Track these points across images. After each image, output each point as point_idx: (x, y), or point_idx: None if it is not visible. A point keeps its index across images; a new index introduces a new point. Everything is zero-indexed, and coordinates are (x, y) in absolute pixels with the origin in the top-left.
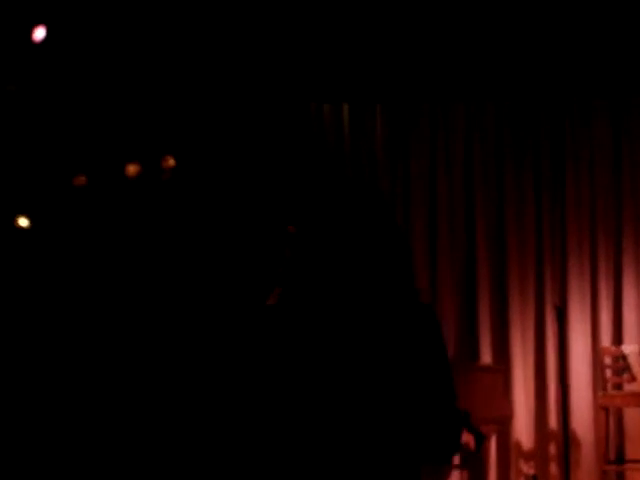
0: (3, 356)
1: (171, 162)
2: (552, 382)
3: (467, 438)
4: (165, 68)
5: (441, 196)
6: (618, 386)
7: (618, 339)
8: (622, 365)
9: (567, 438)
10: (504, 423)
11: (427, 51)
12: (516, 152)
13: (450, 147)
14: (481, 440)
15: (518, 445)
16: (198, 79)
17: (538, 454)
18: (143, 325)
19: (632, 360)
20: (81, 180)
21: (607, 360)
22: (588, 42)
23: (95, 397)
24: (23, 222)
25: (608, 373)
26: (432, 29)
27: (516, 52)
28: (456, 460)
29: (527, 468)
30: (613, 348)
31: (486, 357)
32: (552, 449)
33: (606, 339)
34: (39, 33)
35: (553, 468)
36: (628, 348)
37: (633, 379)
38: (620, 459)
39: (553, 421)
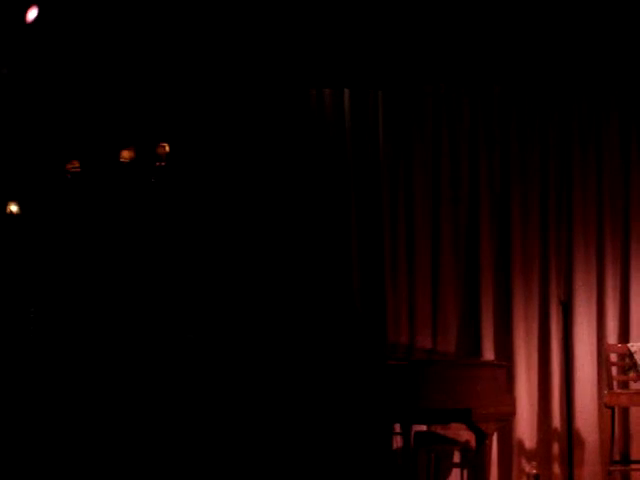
0: None
1: (166, 148)
2: (556, 379)
3: (468, 435)
4: (162, 52)
5: (444, 184)
6: (624, 384)
7: (625, 336)
8: (628, 363)
9: (571, 437)
10: (506, 421)
11: (430, 35)
12: (522, 141)
13: (454, 132)
14: (482, 438)
15: (520, 444)
16: (196, 65)
17: (541, 453)
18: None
19: (639, 358)
20: (74, 165)
21: (613, 357)
22: (601, 35)
23: (94, 396)
24: (13, 208)
25: (614, 371)
26: (435, 12)
27: (523, 36)
28: (457, 458)
29: (529, 467)
30: (619, 345)
31: (489, 353)
32: (555, 448)
33: (612, 336)
34: (32, 13)
35: (556, 468)
36: (635, 346)
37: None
38: (626, 459)
39: (557, 420)
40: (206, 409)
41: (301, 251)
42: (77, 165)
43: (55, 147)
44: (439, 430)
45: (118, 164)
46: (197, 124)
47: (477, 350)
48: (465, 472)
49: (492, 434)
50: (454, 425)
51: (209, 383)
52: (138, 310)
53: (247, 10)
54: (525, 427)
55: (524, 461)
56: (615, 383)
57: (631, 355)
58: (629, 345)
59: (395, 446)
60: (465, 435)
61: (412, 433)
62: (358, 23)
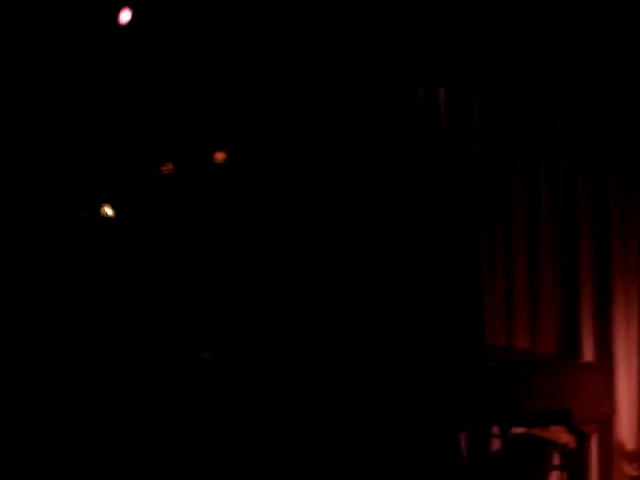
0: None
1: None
2: None
3: (568, 438)
4: (261, 51)
5: (544, 185)
6: None
7: None
8: None
9: None
10: (606, 422)
11: (527, 38)
12: (624, 152)
13: (551, 134)
14: (582, 440)
15: (621, 445)
16: (295, 66)
17: None
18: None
19: None
20: (168, 168)
21: None
22: None
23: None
24: (108, 211)
25: None
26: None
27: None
28: (556, 460)
29: (630, 469)
30: None
31: (588, 354)
32: None
33: None
34: (125, 16)
35: None
36: None
37: None
38: None
39: None
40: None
41: (397, 252)
42: (171, 167)
43: (149, 149)
44: (538, 432)
45: (211, 166)
46: (294, 124)
47: (576, 351)
48: (565, 475)
49: (592, 436)
50: (554, 427)
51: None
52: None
53: (345, 13)
54: (625, 429)
55: (625, 463)
56: None
57: None
58: None
59: (494, 448)
60: (565, 437)
61: (511, 435)
62: (456, 26)
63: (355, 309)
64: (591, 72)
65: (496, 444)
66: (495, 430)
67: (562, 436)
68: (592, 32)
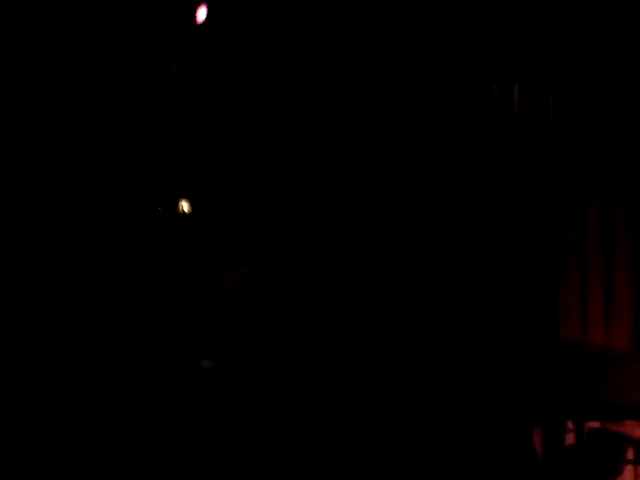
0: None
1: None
2: None
3: None
4: (331, 50)
5: (618, 185)
6: None
7: None
8: None
9: None
10: None
11: (607, 32)
12: None
13: (628, 133)
14: None
15: None
16: (373, 62)
17: None
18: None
19: None
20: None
21: None
22: None
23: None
24: (185, 207)
25: None
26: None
27: None
28: (630, 455)
29: None
30: None
31: None
32: None
33: None
34: (201, 13)
35: None
36: None
37: None
38: None
39: None
40: None
41: (470, 246)
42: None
43: (226, 147)
44: (613, 427)
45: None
46: (369, 119)
47: None
48: (639, 469)
49: None
50: (628, 422)
51: None
52: None
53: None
54: None
55: None
56: None
57: None
58: None
59: (568, 443)
60: (639, 432)
61: (585, 430)
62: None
63: (431, 300)
64: None
65: (570, 438)
66: (569, 424)
67: (637, 431)
68: None
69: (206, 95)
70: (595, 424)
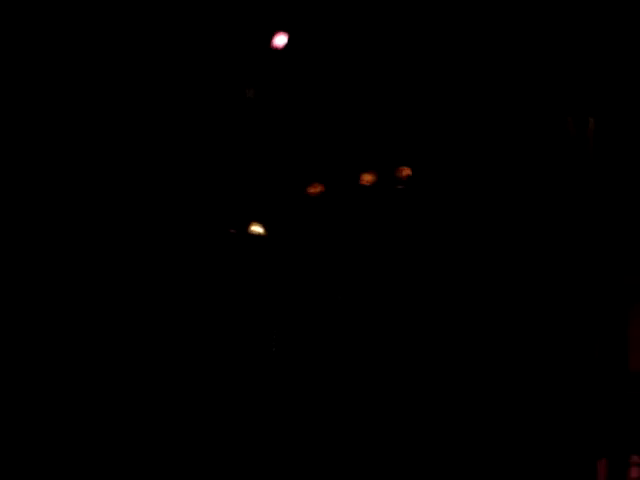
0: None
1: (406, 172)
2: None
3: None
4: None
5: None
6: None
7: None
8: None
9: None
10: None
11: None
12: None
13: None
14: None
15: None
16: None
17: None
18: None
19: None
20: (317, 188)
21: None
22: None
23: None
24: (257, 229)
25: None
26: None
27: None
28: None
29: None
30: None
31: None
32: None
33: None
34: (280, 40)
35: None
36: None
37: None
38: None
39: None
40: None
41: (541, 277)
42: (320, 188)
43: (298, 169)
44: None
45: (360, 187)
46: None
47: None
48: None
49: None
50: None
51: None
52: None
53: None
54: None
55: None
56: None
57: None
58: None
59: (633, 477)
60: None
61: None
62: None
63: (501, 326)
64: None
65: (635, 472)
66: (635, 459)
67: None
68: None
69: (282, 119)
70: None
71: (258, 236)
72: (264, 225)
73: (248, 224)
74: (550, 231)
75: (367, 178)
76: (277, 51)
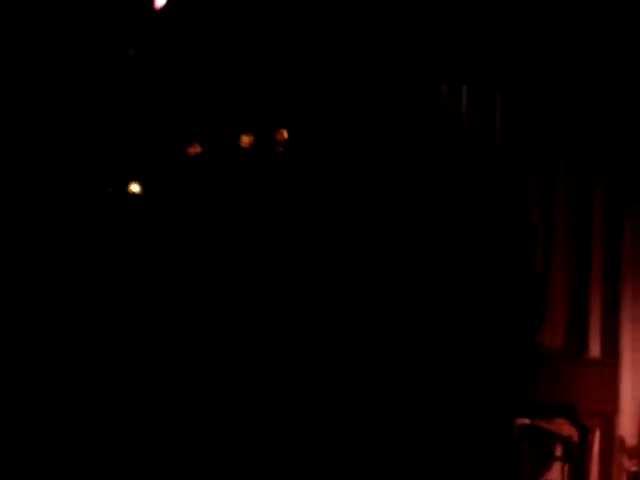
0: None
1: (285, 135)
2: None
3: (570, 431)
4: (288, 43)
5: (559, 188)
6: None
7: None
8: None
9: None
10: (609, 418)
11: (556, 40)
12: None
13: (570, 136)
14: (585, 433)
15: (622, 441)
16: (319, 56)
17: None
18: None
19: None
20: (195, 149)
21: None
22: None
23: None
24: (135, 188)
25: None
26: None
27: None
28: (558, 452)
29: (630, 465)
30: None
31: (595, 349)
32: None
33: None
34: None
35: None
36: None
37: None
38: None
39: None
40: None
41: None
42: (198, 148)
43: (178, 130)
44: (542, 424)
45: (237, 149)
46: (315, 113)
47: (583, 346)
48: (566, 466)
49: (594, 430)
50: (557, 420)
51: None
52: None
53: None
54: (627, 425)
55: (625, 458)
56: None
57: None
58: None
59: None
60: (567, 430)
61: (515, 426)
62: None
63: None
64: (624, 82)
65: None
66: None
67: (565, 429)
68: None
69: (163, 79)
70: (525, 420)
71: (135, 195)
72: (142, 184)
73: (126, 183)
74: (417, 198)
75: (246, 140)
76: (158, 10)
